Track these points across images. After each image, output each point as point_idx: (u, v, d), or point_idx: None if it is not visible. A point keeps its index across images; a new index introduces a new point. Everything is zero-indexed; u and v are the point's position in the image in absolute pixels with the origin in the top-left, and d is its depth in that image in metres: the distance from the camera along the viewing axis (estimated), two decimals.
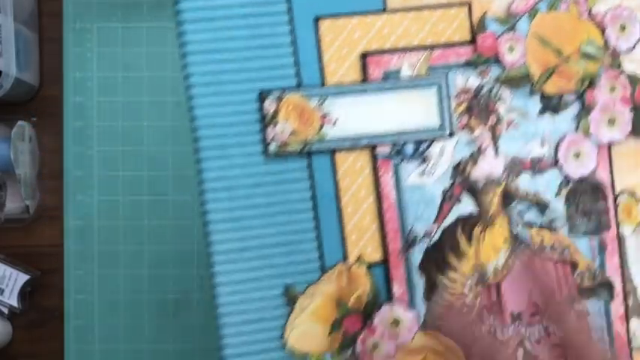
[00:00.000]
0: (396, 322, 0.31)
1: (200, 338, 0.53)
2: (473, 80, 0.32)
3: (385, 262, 0.32)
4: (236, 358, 0.31)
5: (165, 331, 0.53)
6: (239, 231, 0.31)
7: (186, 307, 0.53)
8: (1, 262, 0.52)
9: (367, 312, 0.31)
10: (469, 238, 0.32)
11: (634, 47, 0.32)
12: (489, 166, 0.32)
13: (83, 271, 0.52)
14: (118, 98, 0.53)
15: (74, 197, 0.52)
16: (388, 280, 0.32)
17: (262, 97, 0.31)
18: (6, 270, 0.51)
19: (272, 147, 0.31)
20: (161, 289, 0.52)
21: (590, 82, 0.32)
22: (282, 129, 0.31)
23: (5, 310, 0.52)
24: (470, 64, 0.32)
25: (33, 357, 0.53)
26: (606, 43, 0.32)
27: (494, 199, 0.32)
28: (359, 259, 0.32)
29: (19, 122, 0.51)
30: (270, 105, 0.31)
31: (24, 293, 0.52)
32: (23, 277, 0.51)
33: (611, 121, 0.32)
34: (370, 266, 0.32)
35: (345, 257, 0.32)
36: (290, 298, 0.31)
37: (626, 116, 0.32)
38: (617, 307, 0.33)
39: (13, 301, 0.52)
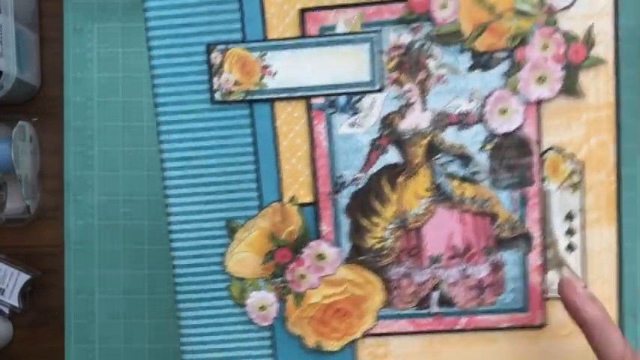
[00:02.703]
0: (321, 257, 0.35)
1: None
2: (405, 37, 0.33)
3: (315, 204, 0.35)
4: (185, 277, 0.36)
5: (165, 331, 0.53)
6: (190, 169, 0.36)
7: None
8: (1, 261, 0.51)
9: (297, 246, 0.35)
10: (393, 186, 0.35)
11: (572, 4, 0.32)
12: (416, 120, 0.34)
13: (83, 271, 0.52)
14: (119, 98, 0.53)
15: (74, 197, 0.52)
16: (317, 220, 0.35)
17: (209, 49, 0.34)
18: (7, 270, 0.51)
19: (217, 95, 0.35)
20: (161, 289, 0.52)
21: (522, 39, 0.33)
22: (227, 79, 0.35)
23: (6, 310, 0.52)
24: (403, 21, 0.33)
25: (33, 356, 0.53)
26: (542, 0, 0.32)
27: (419, 151, 0.34)
28: (292, 199, 0.35)
29: (20, 122, 0.51)
30: (215, 57, 0.34)
31: (24, 293, 0.52)
32: (24, 277, 0.51)
33: (541, 79, 0.33)
34: (302, 206, 0.35)
35: (280, 197, 0.35)
36: (231, 230, 0.36)
37: (557, 74, 0.33)
38: (534, 259, 0.34)
39: (14, 301, 0.51)
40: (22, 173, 0.51)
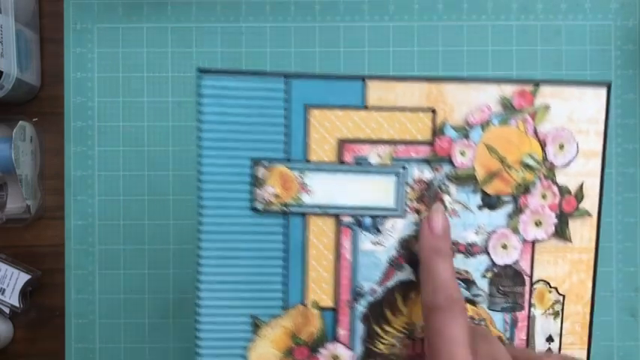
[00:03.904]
0: (336, 358, 0.39)
1: None
2: (427, 174, 0.39)
3: (335, 309, 0.39)
4: None
5: (165, 331, 0.53)
6: (222, 267, 0.39)
7: (186, 307, 0.54)
8: (2, 261, 0.52)
9: (315, 346, 0.39)
10: (405, 300, 0.39)
11: (569, 164, 0.39)
12: None
13: (84, 270, 0.52)
14: (119, 98, 0.53)
15: (75, 197, 0.52)
16: (335, 324, 0.39)
17: (255, 163, 0.39)
18: (7, 269, 0.51)
19: (258, 205, 0.39)
20: (161, 289, 0.52)
21: (526, 188, 0.39)
22: (268, 191, 0.39)
23: (6, 310, 0.52)
24: (426, 161, 0.39)
25: (34, 356, 0.54)
26: (545, 157, 0.39)
27: None
28: (314, 303, 0.39)
29: (20, 122, 0.50)
30: (260, 171, 0.39)
31: (25, 293, 0.52)
32: (24, 277, 0.51)
33: (538, 223, 0.39)
34: (323, 310, 0.39)
35: (303, 300, 0.39)
36: (255, 326, 0.39)
37: (551, 220, 0.39)
38: None
39: (14, 301, 0.52)
40: (23, 173, 0.50)
